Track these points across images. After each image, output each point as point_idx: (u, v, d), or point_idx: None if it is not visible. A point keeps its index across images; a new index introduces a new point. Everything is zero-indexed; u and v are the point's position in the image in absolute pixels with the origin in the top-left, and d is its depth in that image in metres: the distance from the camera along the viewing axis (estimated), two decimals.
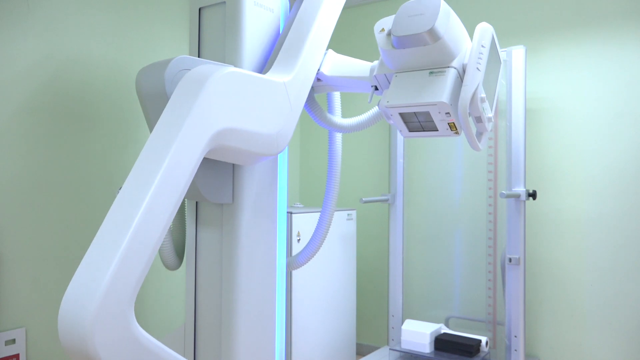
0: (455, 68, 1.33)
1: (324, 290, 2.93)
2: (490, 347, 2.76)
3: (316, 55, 1.49)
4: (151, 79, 1.31)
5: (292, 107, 1.37)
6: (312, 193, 3.82)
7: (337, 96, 1.72)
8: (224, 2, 1.46)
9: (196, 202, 1.54)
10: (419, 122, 1.38)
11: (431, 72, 1.35)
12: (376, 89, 1.51)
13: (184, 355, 1.53)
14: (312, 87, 1.58)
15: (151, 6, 2.60)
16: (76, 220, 2.26)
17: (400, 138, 3.06)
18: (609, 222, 2.69)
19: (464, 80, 1.31)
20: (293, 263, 1.74)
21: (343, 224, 3.08)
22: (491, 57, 1.39)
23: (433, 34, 1.28)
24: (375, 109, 1.60)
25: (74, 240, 2.25)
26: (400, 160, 3.07)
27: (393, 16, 1.37)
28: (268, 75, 1.34)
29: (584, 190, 2.76)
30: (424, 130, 1.41)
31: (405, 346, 2.80)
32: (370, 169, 3.54)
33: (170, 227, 1.63)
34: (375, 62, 1.53)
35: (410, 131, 1.43)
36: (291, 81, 1.37)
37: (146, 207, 0.97)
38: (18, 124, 2.06)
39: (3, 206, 2.02)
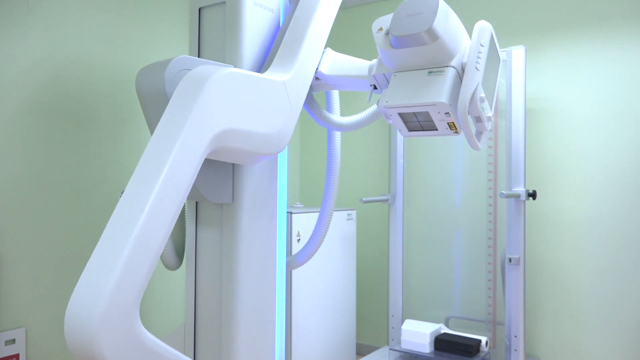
0: (454, 67, 1.33)
1: (324, 290, 2.93)
2: (490, 347, 2.76)
3: (315, 53, 1.49)
4: (151, 79, 1.31)
5: (292, 105, 1.37)
6: (312, 193, 3.82)
7: (335, 95, 1.71)
8: (224, 2, 1.46)
9: (196, 202, 1.54)
10: (419, 121, 1.38)
11: (430, 72, 1.34)
12: (375, 88, 1.50)
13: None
14: (311, 86, 1.57)
15: (151, 6, 2.60)
16: (76, 220, 2.26)
17: (400, 138, 3.06)
18: (609, 222, 2.69)
19: (463, 81, 1.30)
20: (292, 263, 1.74)
21: (343, 224, 3.08)
22: (490, 56, 1.38)
23: (431, 34, 1.27)
24: (374, 107, 1.59)
25: (74, 241, 2.25)
26: (400, 160, 3.07)
27: (391, 15, 1.36)
28: (267, 74, 1.34)
29: (584, 190, 2.76)
30: (423, 130, 1.40)
31: (405, 346, 2.80)
32: (370, 169, 3.54)
33: None
34: (374, 61, 1.52)
35: (409, 131, 1.43)
36: (290, 80, 1.37)
37: (149, 211, 0.98)
38: (18, 124, 2.06)
39: (3, 206, 2.02)
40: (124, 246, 0.94)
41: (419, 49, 1.31)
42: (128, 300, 0.94)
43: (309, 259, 1.74)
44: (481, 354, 2.68)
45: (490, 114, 1.40)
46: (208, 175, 1.37)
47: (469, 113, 1.31)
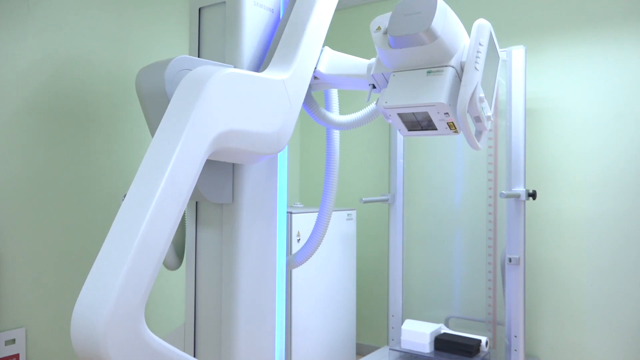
0: (453, 67, 1.32)
1: (324, 290, 2.93)
2: (490, 347, 2.76)
3: (313, 51, 1.48)
4: (151, 79, 1.31)
5: (291, 104, 1.37)
6: (312, 193, 3.82)
7: (334, 93, 1.70)
8: (224, 2, 1.46)
9: (196, 202, 1.54)
10: (418, 121, 1.37)
11: (429, 72, 1.33)
12: (374, 87, 1.50)
13: None
14: (310, 85, 1.57)
15: (151, 6, 2.60)
16: (76, 220, 2.26)
17: (400, 138, 3.06)
18: (609, 222, 2.69)
19: (462, 81, 1.29)
20: (291, 262, 1.74)
21: (343, 224, 3.08)
22: (489, 55, 1.36)
23: (430, 34, 1.26)
24: (373, 105, 1.58)
25: (74, 240, 2.25)
26: (400, 160, 3.07)
27: (389, 14, 1.35)
28: (266, 73, 1.34)
29: (584, 190, 2.76)
30: (423, 130, 1.40)
31: (405, 346, 2.80)
32: (370, 169, 3.54)
33: None
34: (373, 60, 1.51)
35: (409, 130, 1.42)
36: (290, 78, 1.36)
37: (151, 214, 0.98)
38: (18, 124, 2.06)
39: (3, 206, 2.02)
40: (129, 249, 0.95)
41: (417, 49, 1.30)
42: (134, 303, 0.95)
43: (308, 259, 1.74)
44: (481, 354, 2.68)
45: (489, 113, 1.39)
46: (208, 175, 1.37)
47: (467, 112, 1.31)
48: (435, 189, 3.19)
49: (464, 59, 1.33)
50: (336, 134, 1.70)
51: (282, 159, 1.59)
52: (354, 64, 1.56)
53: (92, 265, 2.33)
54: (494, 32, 1.40)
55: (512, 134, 2.57)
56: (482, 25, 1.33)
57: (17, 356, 2.03)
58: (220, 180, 1.41)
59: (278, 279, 1.56)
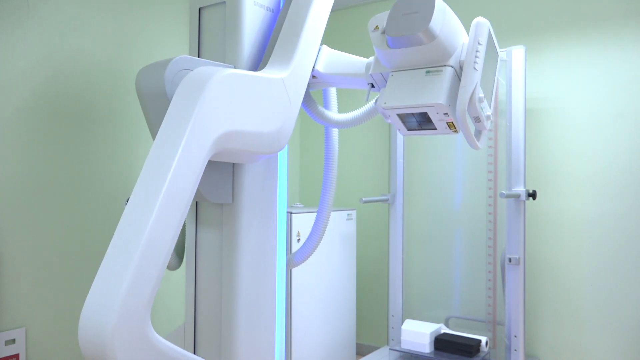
0: (452, 67, 1.31)
1: (324, 290, 2.93)
2: (490, 347, 2.76)
3: (311, 48, 1.47)
4: (151, 79, 1.31)
5: (291, 102, 1.37)
6: (312, 193, 3.82)
7: (333, 91, 1.69)
8: (224, 2, 1.46)
9: (196, 202, 1.54)
10: (417, 121, 1.37)
11: (428, 72, 1.32)
12: (373, 86, 1.49)
13: None
14: (308, 84, 1.56)
15: (151, 6, 2.61)
16: (76, 220, 2.26)
17: (400, 138, 3.06)
18: (609, 222, 2.69)
19: (461, 82, 1.28)
20: (290, 262, 1.73)
21: (343, 224, 3.08)
22: (488, 53, 1.35)
23: (428, 34, 1.25)
24: (371, 103, 1.57)
25: (74, 240, 2.25)
26: (400, 160, 3.07)
27: (387, 12, 1.33)
28: (265, 72, 1.34)
29: (584, 190, 2.76)
30: (422, 129, 1.39)
31: (405, 346, 2.80)
32: (370, 169, 3.54)
33: None
34: (371, 59, 1.50)
35: (408, 130, 1.42)
36: (289, 76, 1.36)
37: (155, 218, 0.99)
38: (18, 124, 2.06)
39: (3, 206, 2.02)
40: (134, 253, 0.96)
41: (415, 49, 1.29)
42: (140, 306, 0.96)
43: (308, 258, 1.73)
44: (481, 354, 2.68)
45: (489, 112, 1.38)
46: (208, 175, 1.37)
47: (467, 112, 1.30)
48: (435, 189, 3.19)
49: (463, 58, 1.32)
50: (335, 132, 1.69)
51: (282, 158, 1.59)
52: (353, 62, 1.55)
53: (92, 265, 2.34)
54: (493, 30, 1.39)
55: (512, 134, 2.57)
56: (481, 23, 1.31)
57: (17, 356, 2.03)
58: (220, 180, 1.41)
59: (278, 279, 1.56)
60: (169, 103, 1.25)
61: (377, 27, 1.36)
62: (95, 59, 2.35)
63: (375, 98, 1.50)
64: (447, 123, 1.32)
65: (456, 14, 1.35)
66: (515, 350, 2.56)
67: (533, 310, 2.87)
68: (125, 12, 2.48)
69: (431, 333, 2.75)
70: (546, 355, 2.84)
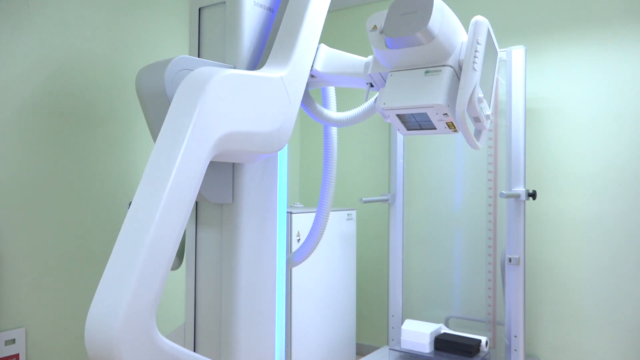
0: (451, 66, 1.30)
1: (324, 290, 2.93)
2: (490, 347, 2.76)
3: (310, 47, 1.47)
4: (151, 79, 1.31)
5: (290, 101, 1.37)
6: (312, 193, 3.82)
7: (331, 90, 1.69)
8: (224, 2, 1.46)
9: (196, 202, 1.54)
10: (417, 121, 1.36)
11: (427, 72, 1.31)
12: (372, 85, 1.48)
13: None
14: (306, 83, 1.56)
15: (151, 6, 2.61)
16: (76, 220, 2.26)
17: (400, 138, 3.06)
18: (609, 222, 2.69)
19: (461, 82, 1.27)
20: (290, 261, 1.73)
21: (343, 224, 3.08)
22: (487, 52, 1.34)
23: (427, 35, 1.24)
24: (370, 102, 1.56)
25: (74, 240, 2.25)
26: (400, 160, 3.07)
27: (385, 12, 1.32)
28: (264, 71, 1.34)
29: (584, 190, 2.76)
30: (422, 129, 1.39)
31: (405, 346, 2.80)
32: (370, 169, 3.54)
33: None
34: (370, 58, 1.49)
35: (408, 130, 1.42)
36: (288, 75, 1.36)
37: (158, 222, 0.99)
38: (18, 124, 2.06)
39: (3, 206, 2.02)
40: (138, 256, 0.96)
41: (414, 49, 1.28)
42: (145, 310, 0.96)
43: (307, 257, 1.73)
44: (481, 354, 2.68)
45: (488, 112, 1.37)
46: (208, 175, 1.37)
47: (466, 111, 1.29)
48: (435, 189, 3.19)
49: (462, 57, 1.31)
50: (334, 131, 1.68)
51: (282, 158, 1.58)
52: (351, 62, 1.54)
53: (92, 264, 2.34)
54: (492, 29, 1.38)
55: (512, 134, 2.57)
56: (480, 22, 1.29)
57: (17, 356, 2.03)
58: (220, 180, 1.41)
59: (278, 279, 1.56)
60: (169, 103, 1.25)
61: (375, 27, 1.35)
62: (95, 59, 2.35)
63: (374, 97, 1.49)
64: (446, 123, 1.32)
65: (455, 14, 1.34)
66: (515, 350, 2.56)
67: (533, 310, 2.87)
68: (125, 12, 2.48)
69: (431, 333, 2.75)
70: (546, 355, 2.84)
